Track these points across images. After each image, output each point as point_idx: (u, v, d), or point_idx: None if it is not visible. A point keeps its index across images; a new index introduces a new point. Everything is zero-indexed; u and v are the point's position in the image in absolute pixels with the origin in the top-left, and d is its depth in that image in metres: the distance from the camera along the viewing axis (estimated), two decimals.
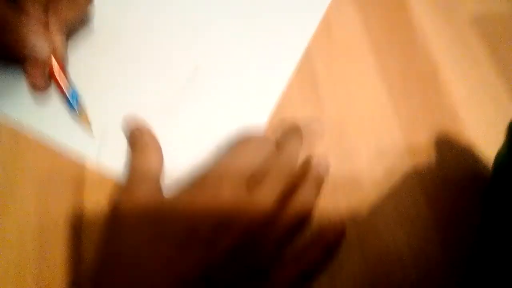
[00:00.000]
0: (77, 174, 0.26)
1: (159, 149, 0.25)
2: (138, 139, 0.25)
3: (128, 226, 0.21)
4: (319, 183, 0.25)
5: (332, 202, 0.26)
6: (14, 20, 0.24)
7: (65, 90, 0.26)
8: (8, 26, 0.24)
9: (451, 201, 0.27)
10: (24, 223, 0.24)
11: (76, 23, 0.29)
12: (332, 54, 0.33)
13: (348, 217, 0.26)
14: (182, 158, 0.26)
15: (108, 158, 0.26)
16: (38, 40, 0.25)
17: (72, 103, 0.26)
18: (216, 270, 0.20)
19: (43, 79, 0.26)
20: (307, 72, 0.31)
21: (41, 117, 0.27)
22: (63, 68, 0.27)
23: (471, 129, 0.30)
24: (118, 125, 0.27)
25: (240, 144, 0.24)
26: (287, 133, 0.27)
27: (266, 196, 0.22)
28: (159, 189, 0.24)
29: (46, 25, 0.25)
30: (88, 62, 0.29)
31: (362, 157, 0.29)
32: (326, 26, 0.34)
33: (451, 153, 0.29)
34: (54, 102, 0.28)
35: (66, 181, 0.26)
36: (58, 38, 0.26)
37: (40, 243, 0.24)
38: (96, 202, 0.25)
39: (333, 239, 0.23)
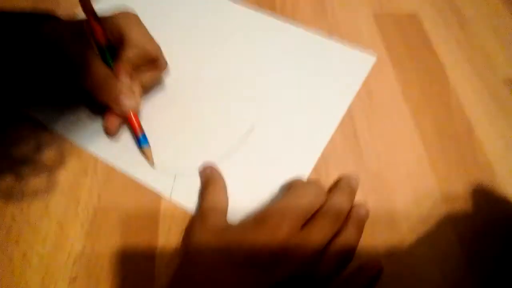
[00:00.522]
0: (154, 207, 0.31)
1: (225, 187, 0.31)
2: (210, 177, 0.31)
3: (200, 249, 0.26)
4: (360, 226, 0.28)
5: (371, 242, 0.30)
6: (110, 82, 0.32)
7: (137, 133, 0.34)
8: (106, 86, 0.32)
9: (484, 244, 0.30)
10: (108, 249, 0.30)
11: (153, 84, 0.38)
12: (372, 113, 0.38)
13: (386, 256, 0.29)
14: (236, 200, 0.31)
15: (181, 194, 0.32)
16: (124, 99, 0.32)
17: (141, 143, 0.34)
18: None
19: (117, 127, 0.34)
20: (349, 128, 0.37)
21: (128, 160, 0.34)
22: (137, 119, 0.34)
23: (505, 181, 0.33)
24: (189, 168, 0.33)
25: (301, 187, 0.28)
26: (335, 185, 0.31)
27: (317, 236, 0.26)
28: (226, 220, 0.28)
29: (131, 88, 0.33)
30: (161, 112, 0.37)
31: (399, 203, 0.32)
32: (367, 87, 0.39)
33: (485, 202, 0.32)
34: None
35: (145, 213, 0.31)
36: (138, 99, 0.34)
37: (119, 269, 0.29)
38: (170, 230, 0.30)
39: (371, 275, 0.27)
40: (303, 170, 0.34)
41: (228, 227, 0.28)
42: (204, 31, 0.44)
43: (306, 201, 0.27)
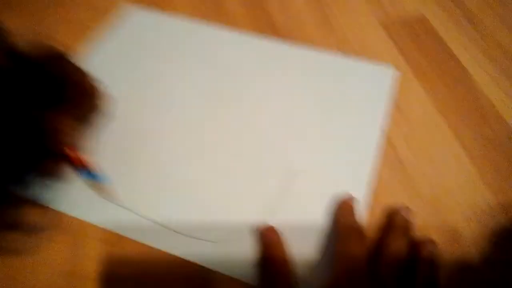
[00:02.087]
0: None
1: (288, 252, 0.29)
2: (271, 242, 0.29)
3: None
4: (435, 265, 0.27)
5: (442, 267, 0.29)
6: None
7: (85, 167, 0.31)
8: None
9: None
10: None
11: (91, 119, 0.34)
12: (409, 132, 0.36)
13: (460, 279, 0.29)
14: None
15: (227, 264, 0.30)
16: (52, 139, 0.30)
17: (94, 177, 0.31)
18: None
19: (56, 169, 0.31)
20: (390, 154, 0.35)
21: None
22: (79, 155, 0.31)
23: None
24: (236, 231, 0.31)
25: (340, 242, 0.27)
26: (388, 222, 0.29)
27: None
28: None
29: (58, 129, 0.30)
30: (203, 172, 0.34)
31: (460, 224, 0.31)
32: (395, 105, 0.38)
33: None
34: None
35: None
36: (70, 136, 0.31)
37: None
38: None
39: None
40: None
41: None
42: (206, 65, 0.41)
43: (357, 251, 0.25)
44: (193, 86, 0.39)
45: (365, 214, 0.32)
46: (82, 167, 0.31)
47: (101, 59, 0.41)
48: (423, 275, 0.26)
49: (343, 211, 0.30)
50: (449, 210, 0.32)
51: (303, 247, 0.30)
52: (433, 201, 0.32)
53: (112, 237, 0.31)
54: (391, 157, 0.35)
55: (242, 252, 0.30)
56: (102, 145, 0.35)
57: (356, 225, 0.29)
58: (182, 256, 0.30)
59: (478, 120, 0.37)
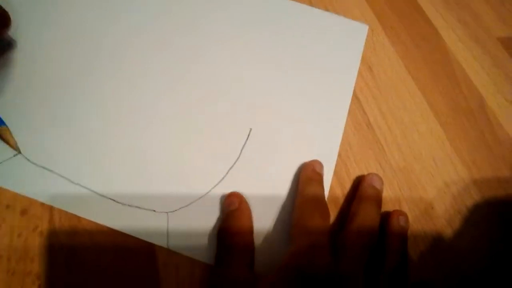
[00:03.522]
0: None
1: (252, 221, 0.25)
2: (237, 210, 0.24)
3: None
4: (405, 239, 0.25)
5: (411, 238, 0.26)
6: None
7: None
8: None
9: None
10: None
11: None
12: (380, 94, 0.32)
13: (429, 251, 0.26)
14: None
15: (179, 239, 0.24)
16: None
17: None
18: None
19: None
20: (360, 115, 0.31)
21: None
22: None
23: None
24: (186, 198, 0.25)
25: (303, 211, 0.24)
26: (359, 190, 0.26)
27: (355, 266, 0.22)
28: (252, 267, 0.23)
29: None
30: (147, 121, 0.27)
31: (431, 194, 0.28)
32: (366, 63, 0.34)
33: None
34: None
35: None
36: None
37: None
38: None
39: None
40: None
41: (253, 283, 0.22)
42: (155, 13, 0.33)
43: (319, 225, 0.23)
44: (139, 36, 0.31)
45: (332, 182, 0.27)
46: None
47: None
48: (392, 247, 0.24)
49: (308, 178, 0.26)
50: (422, 181, 0.29)
51: (263, 217, 0.25)
52: (405, 171, 0.29)
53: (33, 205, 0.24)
54: (360, 120, 0.30)
55: (193, 226, 0.25)
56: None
57: (318, 195, 0.25)
58: (122, 230, 0.24)
59: (450, 85, 0.34)
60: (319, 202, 0.24)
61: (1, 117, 0.25)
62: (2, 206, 0.23)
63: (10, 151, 0.25)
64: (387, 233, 0.25)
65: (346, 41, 0.34)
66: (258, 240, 0.24)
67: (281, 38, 0.33)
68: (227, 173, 0.26)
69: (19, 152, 0.25)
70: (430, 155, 0.30)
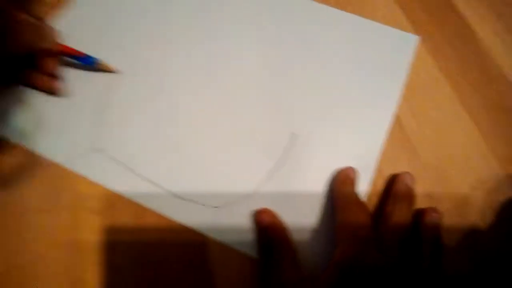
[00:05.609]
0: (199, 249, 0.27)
1: (290, 234, 0.27)
2: (271, 226, 0.27)
3: None
4: (438, 235, 0.26)
5: (445, 236, 0.27)
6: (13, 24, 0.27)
7: (81, 54, 0.32)
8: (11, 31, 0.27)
9: None
10: None
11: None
12: (412, 96, 0.33)
13: (463, 247, 0.27)
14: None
15: (227, 231, 0.27)
16: (40, 34, 0.29)
17: (91, 60, 0.32)
18: None
19: (57, 67, 0.31)
20: (395, 124, 0.32)
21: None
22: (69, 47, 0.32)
23: None
24: (232, 196, 0.28)
25: (346, 212, 0.26)
26: (392, 190, 0.28)
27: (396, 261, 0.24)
28: (300, 270, 0.25)
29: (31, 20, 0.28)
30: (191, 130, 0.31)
31: (465, 192, 0.29)
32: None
33: None
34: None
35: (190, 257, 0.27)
36: (49, 27, 0.30)
37: None
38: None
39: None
40: (363, 179, 0.29)
41: (304, 283, 0.24)
42: (209, 26, 0.36)
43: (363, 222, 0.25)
44: (196, 48, 0.35)
45: (369, 183, 0.29)
46: (77, 54, 0.32)
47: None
48: (427, 242, 0.25)
49: (342, 182, 0.28)
50: (455, 179, 0.30)
51: (305, 217, 0.28)
52: (438, 170, 0.30)
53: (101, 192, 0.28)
54: (394, 123, 0.32)
55: (241, 220, 0.28)
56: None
57: (355, 195, 0.27)
58: (179, 221, 0.28)
59: (484, 83, 0.34)
60: (358, 201, 0.27)
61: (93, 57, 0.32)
62: (80, 200, 0.28)
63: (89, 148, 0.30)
64: (421, 230, 0.26)
65: (395, 50, 0.35)
66: (301, 239, 0.27)
67: (329, 47, 0.35)
68: (270, 174, 0.29)
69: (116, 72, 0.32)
70: (463, 153, 0.31)
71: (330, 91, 0.33)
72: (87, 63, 0.32)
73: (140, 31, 0.35)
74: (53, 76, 0.31)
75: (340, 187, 0.28)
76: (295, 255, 0.26)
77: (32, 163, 0.29)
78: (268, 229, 0.27)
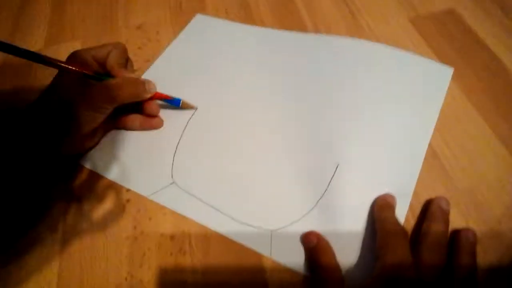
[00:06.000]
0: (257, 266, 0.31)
1: (334, 254, 0.30)
2: (318, 247, 0.30)
3: None
4: (473, 252, 0.29)
5: (483, 259, 0.30)
6: (128, 83, 0.36)
7: (171, 98, 0.39)
8: (127, 88, 0.36)
9: None
10: None
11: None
12: (442, 125, 0.37)
13: (502, 272, 0.29)
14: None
15: (281, 252, 0.32)
16: (148, 84, 0.37)
17: (177, 101, 0.39)
18: None
19: (158, 109, 0.39)
20: (427, 150, 0.35)
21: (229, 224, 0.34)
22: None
23: None
24: (283, 221, 0.33)
25: (388, 249, 0.28)
26: (427, 212, 0.31)
27: (432, 275, 0.26)
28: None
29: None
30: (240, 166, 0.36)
31: (500, 213, 0.32)
32: None
33: None
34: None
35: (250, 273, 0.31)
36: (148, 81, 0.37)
37: None
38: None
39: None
40: (401, 205, 0.32)
41: None
42: (257, 64, 0.43)
43: (403, 256, 0.27)
44: (254, 88, 0.41)
45: (407, 209, 0.33)
46: (167, 98, 0.39)
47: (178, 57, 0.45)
48: (462, 262, 0.27)
49: (381, 207, 0.31)
50: (489, 203, 0.32)
51: (348, 248, 0.31)
52: (471, 193, 0.33)
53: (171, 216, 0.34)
54: (427, 152, 0.35)
55: (295, 243, 0.32)
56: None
57: (394, 219, 0.30)
58: (238, 241, 0.32)
59: None
60: (396, 224, 0.30)
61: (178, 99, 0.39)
62: (157, 234, 0.33)
63: (167, 181, 0.36)
64: (456, 250, 0.28)
65: (432, 81, 0.39)
66: (346, 270, 0.30)
67: (367, 79, 0.40)
68: (316, 203, 0.33)
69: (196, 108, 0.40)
70: (496, 176, 0.33)
71: (369, 122, 0.37)
72: (174, 103, 0.39)
73: (210, 74, 0.43)
74: (154, 116, 0.39)
75: (380, 212, 0.31)
76: (340, 277, 0.29)
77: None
78: (314, 249, 0.30)
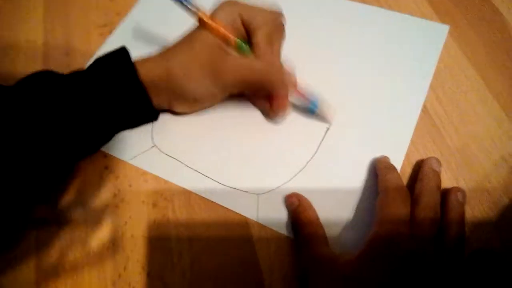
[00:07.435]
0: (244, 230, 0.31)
1: (317, 214, 0.30)
2: (299, 207, 0.30)
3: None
4: (462, 212, 0.28)
5: (472, 218, 0.30)
6: (271, 70, 0.30)
7: (306, 97, 0.33)
8: (268, 75, 0.30)
9: None
10: None
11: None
12: (435, 81, 0.35)
13: (492, 229, 0.29)
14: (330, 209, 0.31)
15: (267, 215, 0.31)
16: (289, 78, 0.32)
17: (313, 105, 0.33)
18: None
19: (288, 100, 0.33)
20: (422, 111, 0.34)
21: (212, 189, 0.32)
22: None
23: None
24: (269, 185, 0.32)
25: (389, 203, 0.28)
26: (419, 172, 0.30)
27: (427, 244, 0.26)
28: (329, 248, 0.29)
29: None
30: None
31: (491, 172, 0.31)
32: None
33: None
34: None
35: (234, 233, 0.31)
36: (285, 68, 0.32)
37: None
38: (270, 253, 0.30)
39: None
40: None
41: (336, 257, 0.27)
42: None
43: (402, 213, 0.27)
44: None
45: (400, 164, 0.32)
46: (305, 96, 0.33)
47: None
48: (452, 221, 0.27)
49: (385, 168, 0.31)
50: (479, 158, 0.32)
51: (339, 207, 0.31)
52: (463, 151, 0.32)
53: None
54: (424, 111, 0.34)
55: (281, 206, 0.31)
56: None
57: (400, 183, 0.29)
58: (227, 206, 0.31)
59: (508, 64, 0.35)
60: (401, 189, 0.29)
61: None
62: (138, 201, 0.32)
63: (148, 145, 0.34)
64: (446, 209, 0.28)
65: (426, 41, 0.37)
66: (337, 228, 0.30)
67: (361, 41, 0.38)
68: (306, 165, 0.32)
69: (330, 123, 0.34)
70: (488, 134, 0.33)
71: (362, 83, 0.35)
72: (310, 107, 0.34)
73: None
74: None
75: (385, 173, 0.30)
76: (323, 233, 0.29)
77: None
78: (297, 210, 0.30)
